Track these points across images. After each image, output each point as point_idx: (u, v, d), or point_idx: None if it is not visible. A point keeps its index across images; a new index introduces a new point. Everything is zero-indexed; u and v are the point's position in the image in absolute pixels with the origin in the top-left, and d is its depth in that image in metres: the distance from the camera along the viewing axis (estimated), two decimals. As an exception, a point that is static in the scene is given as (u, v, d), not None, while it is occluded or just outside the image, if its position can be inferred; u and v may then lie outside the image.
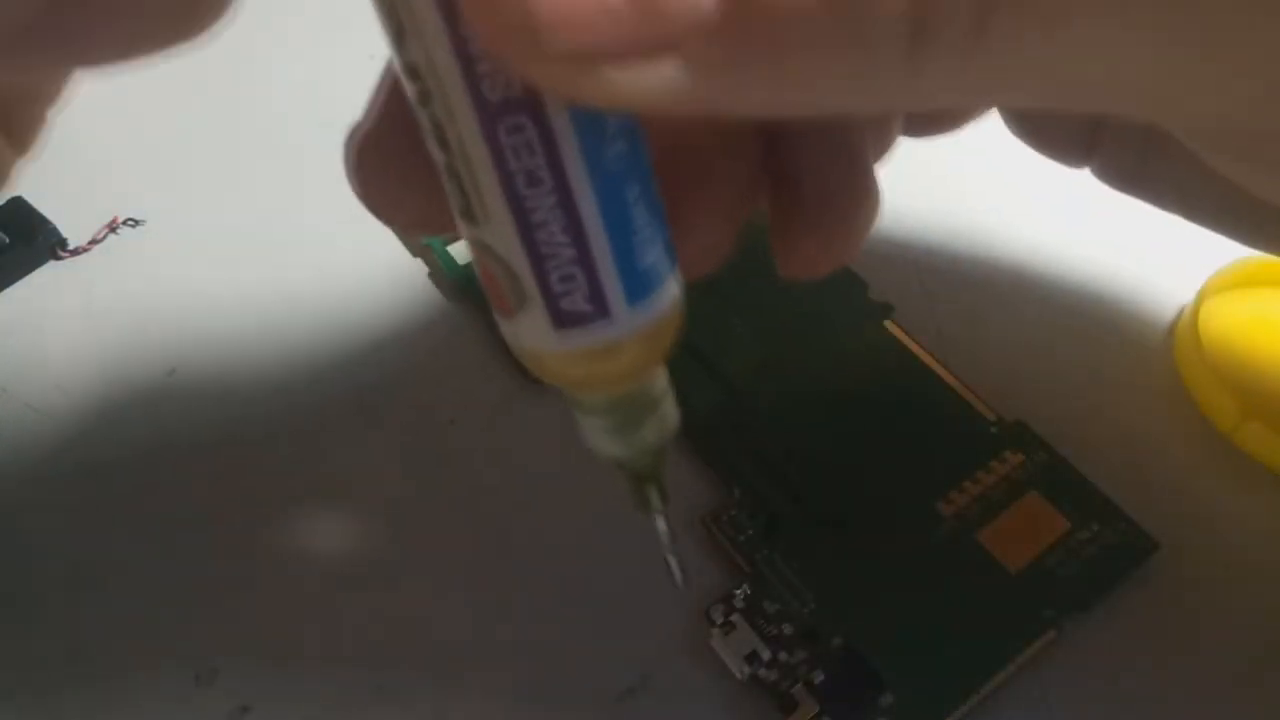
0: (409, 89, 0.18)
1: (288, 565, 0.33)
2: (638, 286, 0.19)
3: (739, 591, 0.31)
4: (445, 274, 0.39)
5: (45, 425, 0.36)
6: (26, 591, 0.32)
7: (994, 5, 0.15)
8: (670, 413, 0.24)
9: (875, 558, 0.32)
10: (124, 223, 0.40)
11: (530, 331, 0.20)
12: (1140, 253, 0.40)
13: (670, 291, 0.20)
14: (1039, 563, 0.32)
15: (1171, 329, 0.38)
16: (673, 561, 0.29)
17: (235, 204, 0.42)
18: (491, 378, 0.37)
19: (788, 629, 0.31)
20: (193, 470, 0.35)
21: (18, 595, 0.32)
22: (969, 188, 0.42)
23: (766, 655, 0.30)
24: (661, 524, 0.27)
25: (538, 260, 0.19)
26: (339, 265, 0.40)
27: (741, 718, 0.30)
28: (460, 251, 0.40)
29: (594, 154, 0.18)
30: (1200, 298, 0.37)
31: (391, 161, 0.21)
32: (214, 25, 0.19)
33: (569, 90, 0.16)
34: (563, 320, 0.19)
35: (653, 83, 0.15)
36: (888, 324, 0.37)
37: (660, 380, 0.23)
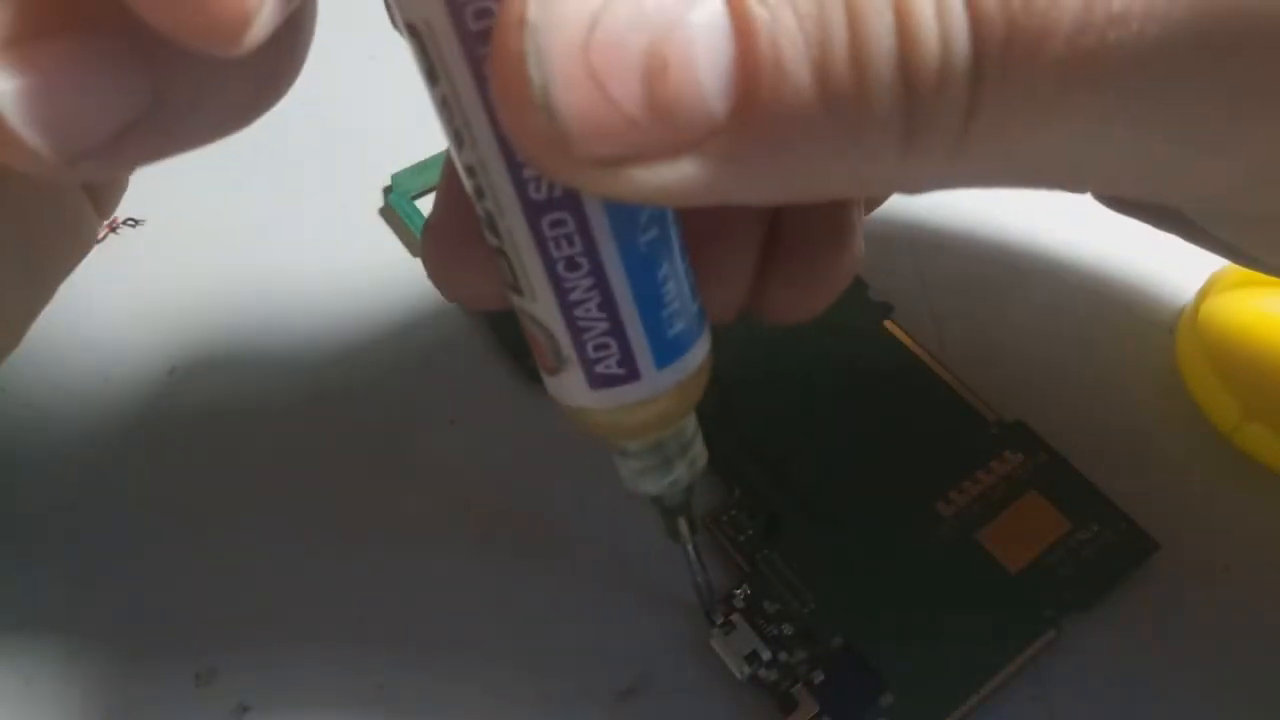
0: (467, 184, 0.20)
1: (288, 565, 0.33)
2: (666, 352, 0.22)
3: (739, 591, 0.32)
4: None
5: (45, 424, 0.36)
6: (26, 591, 0.32)
7: (976, 111, 0.16)
8: (699, 453, 0.26)
9: (875, 558, 0.32)
10: (124, 223, 0.41)
11: (569, 389, 0.23)
12: (1140, 252, 0.40)
13: (698, 352, 0.23)
14: (1039, 562, 0.32)
15: (1172, 329, 0.38)
16: (702, 587, 0.30)
17: (235, 204, 0.42)
18: (491, 377, 0.37)
19: (788, 629, 0.31)
20: (192, 469, 0.35)
21: (17, 595, 0.32)
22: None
23: (766, 655, 0.30)
24: (692, 553, 0.29)
25: (575, 331, 0.21)
26: (339, 266, 0.40)
27: (742, 717, 0.30)
28: None
29: (627, 242, 0.20)
30: (1200, 297, 0.37)
31: (454, 248, 0.25)
32: (286, 90, 0.22)
33: (597, 189, 0.17)
34: (597, 382, 0.22)
35: (672, 180, 0.16)
36: (887, 324, 0.38)
37: (689, 425, 0.25)
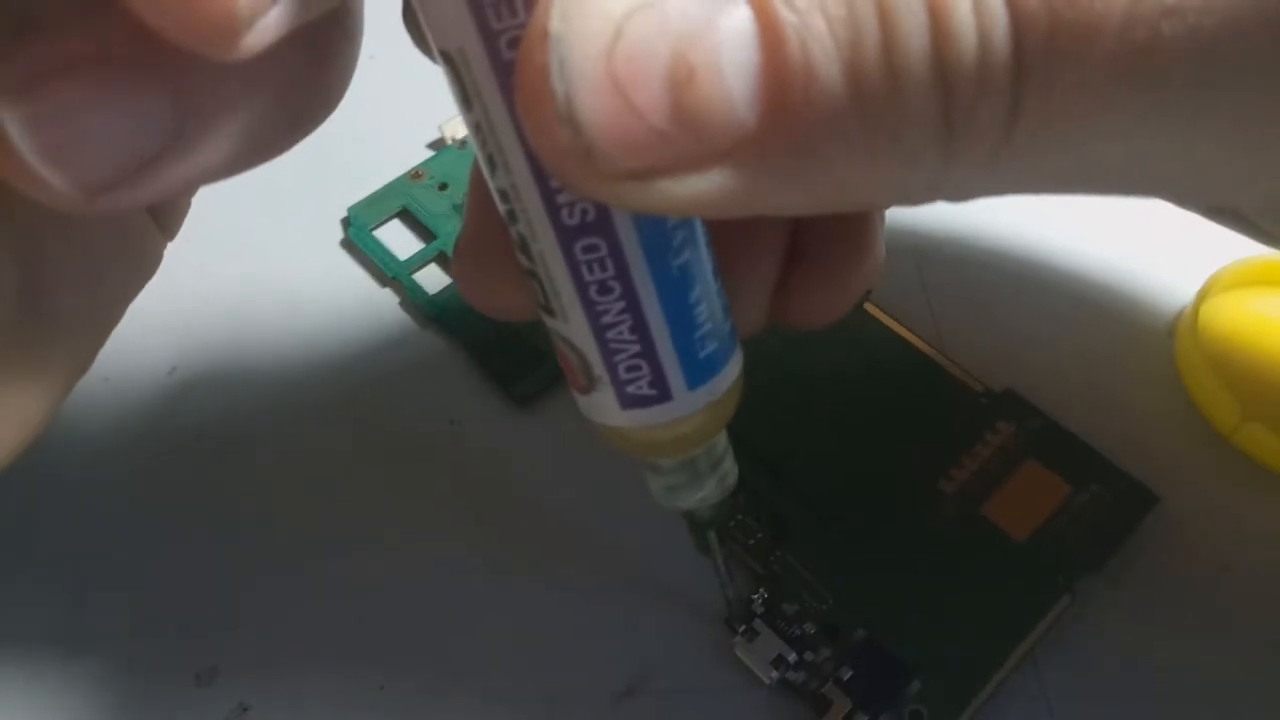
0: (500, 208, 0.20)
1: (288, 565, 0.34)
2: (698, 373, 0.22)
3: (756, 596, 0.33)
4: (416, 304, 0.41)
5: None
6: (27, 591, 0.33)
7: (1019, 111, 0.16)
8: (730, 469, 0.27)
9: (886, 545, 0.33)
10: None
11: (600, 409, 0.23)
12: (1140, 253, 0.41)
13: (730, 372, 0.23)
14: (1045, 529, 0.33)
15: (1172, 329, 0.39)
16: (731, 600, 0.31)
17: (234, 205, 0.42)
18: (477, 390, 0.38)
19: (809, 628, 0.32)
20: (193, 469, 0.36)
21: (18, 595, 0.33)
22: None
23: (793, 657, 0.31)
24: (720, 566, 0.30)
25: (607, 353, 0.21)
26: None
27: (743, 717, 0.31)
28: (429, 281, 0.42)
29: (659, 266, 0.20)
30: (1200, 298, 0.37)
31: (486, 263, 0.25)
32: (327, 112, 0.22)
33: (625, 202, 0.18)
34: (628, 402, 0.22)
35: (702, 191, 0.17)
36: (867, 306, 0.39)
37: (720, 443, 0.26)
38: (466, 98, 0.19)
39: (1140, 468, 0.35)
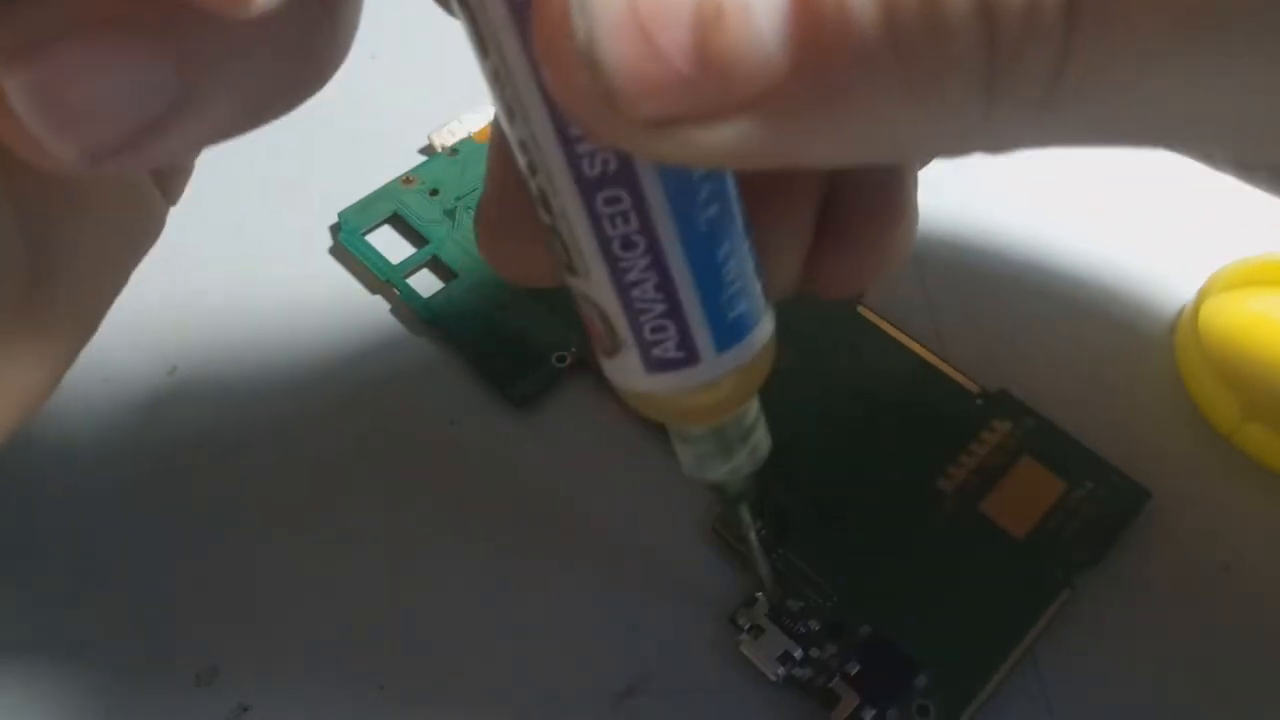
0: (519, 160, 0.20)
1: (288, 565, 0.35)
2: (727, 335, 0.22)
3: (760, 594, 0.33)
4: (409, 309, 0.42)
5: (44, 424, 0.37)
6: (26, 591, 0.34)
7: (1072, 52, 0.15)
8: (762, 441, 0.27)
9: (888, 543, 0.34)
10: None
11: (625, 372, 0.23)
12: (1140, 253, 0.42)
13: (761, 334, 0.23)
14: (1043, 525, 0.35)
15: (1172, 329, 0.40)
16: (764, 573, 0.32)
17: (221, 210, 0.44)
18: (474, 393, 0.39)
19: (814, 625, 0.33)
20: (193, 469, 0.37)
21: (18, 595, 0.34)
22: (968, 186, 0.44)
23: (799, 654, 0.32)
24: (754, 541, 0.31)
25: (632, 313, 0.21)
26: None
27: (745, 717, 0.32)
28: (422, 286, 0.43)
29: (686, 220, 0.20)
30: (1200, 297, 0.39)
31: (507, 226, 0.25)
32: (334, 68, 0.22)
33: (649, 151, 0.17)
34: (654, 365, 0.22)
35: (730, 139, 0.16)
36: (860, 309, 0.40)
37: (751, 411, 0.26)
38: (483, 44, 0.18)
39: (1140, 467, 0.36)
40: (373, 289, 0.43)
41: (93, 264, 0.26)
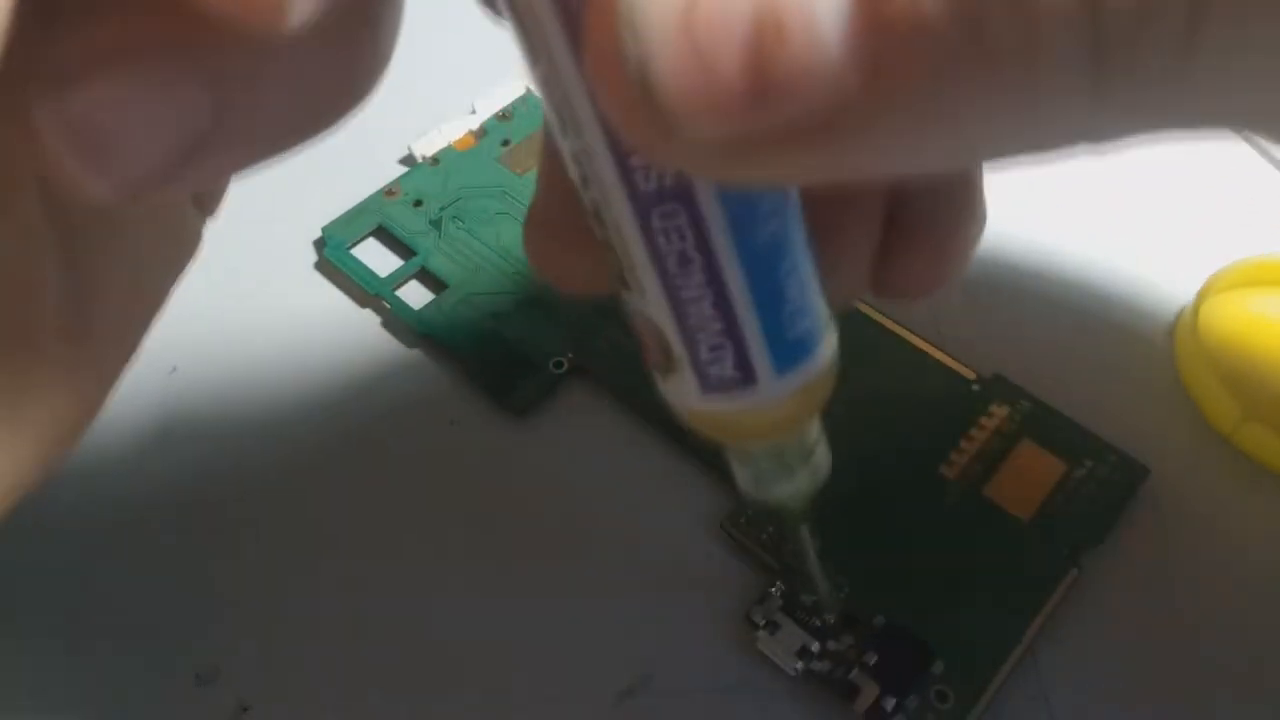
0: (572, 171, 0.20)
1: (288, 565, 0.36)
2: (786, 356, 0.22)
3: (773, 590, 0.35)
4: (401, 322, 0.43)
5: None
6: (26, 591, 0.35)
7: (1199, 30, 0.14)
8: (823, 460, 0.27)
9: (895, 532, 0.36)
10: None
11: (680, 392, 0.23)
12: (1140, 253, 0.43)
13: (822, 355, 0.23)
14: (1046, 507, 0.36)
15: (1171, 329, 0.41)
16: (823, 590, 0.33)
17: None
18: (471, 402, 0.40)
19: (829, 618, 0.34)
20: (193, 469, 0.38)
21: (17, 595, 0.35)
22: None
23: (815, 647, 0.33)
24: (814, 560, 0.32)
25: (687, 332, 0.21)
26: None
27: (801, 713, 0.33)
28: (411, 298, 0.44)
29: (745, 236, 0.20)
30: (1200, 298, 0.40)
31: (558, 234, 0.25)
32: (376, 82, 0.22)
33: (713, 174, 0.18)
34: (710, 385, 0.22)
35: (795, 160, 0.16)
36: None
37: (813, 431, 0.26)
38: (534, 51, 0.18)
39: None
40: (361, 303, 0.44)
41: (132, 289, 0.26)
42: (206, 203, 0.27)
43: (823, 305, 0.22)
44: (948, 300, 0.42)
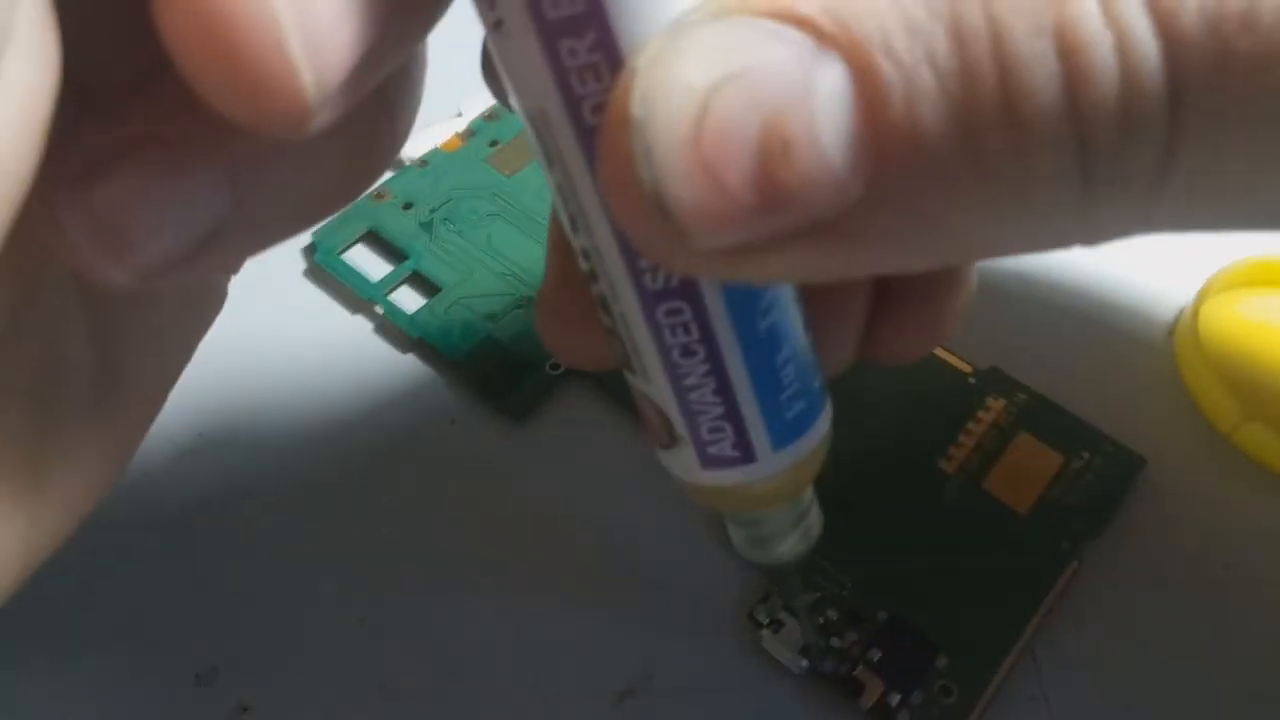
0: (581, 265, 0.22)
1: (288, 565, 0.37)
2: (783, 434, 0.23)
3: (776, 589, 0.36)
4: (395, 326, 0.44)
5: None
6: (26, 591, 0.33)
7: (1175, 158, 0.15)
8: (814, 522, 0.29)
9: (896, 527, 0.37)
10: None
11: (680, 465, 0.24)
12: (1140, 253, 0.44)
13: (818, 430, 0.24)
14: (1045, 499, 0.38)
15: (1171, 329, 0.42)
16: (813, 642, 0.34)
17: None
18: (470, 406, 0.42)
19: (832, 614, 0.35)
20: (192, 468, 0.39)
21: (17, 595, 0.35)
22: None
23: (820, 644, 0.35)
24: (804, 613, 0.33)
25: (689, 415, 0.23)
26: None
27: (806, 711, 0.34)
28: (404, 302, 0.45)
29: (746, 328, 0.21)
30: (1200, 298, 0.41)
31: (568, 316, 0.26)
32: (385, 166, 0.23)
33: (718, 276, 0.19)
34: (710, 463, 0.24)
35: (800, 263, 0.17)
36: None
37: (805, 498, 0.28)
38: (548, 158, 0.20)
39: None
40: (354, 308, 0.45)
41: (159, 352, 0.27)
42: (232, 267, 0.28)
43: (818, 383, 0.24)
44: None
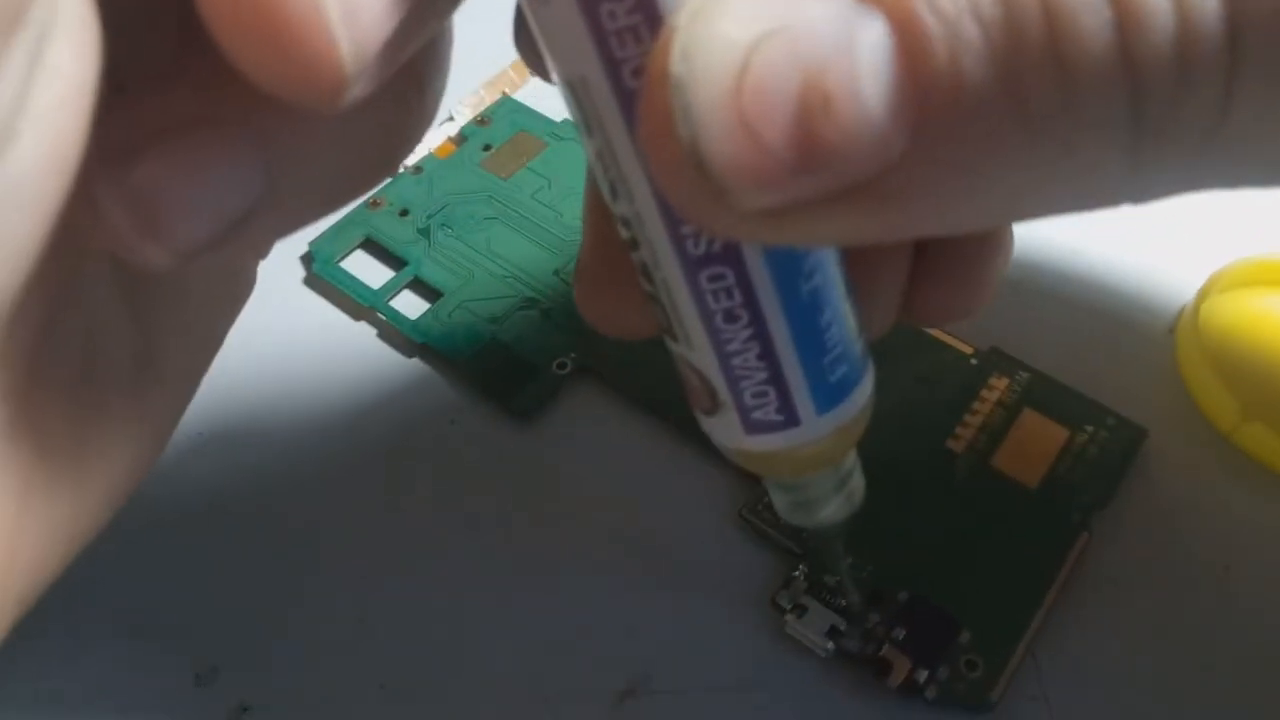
0: (622, 233, 0.22)
1: (288, 565, 0.37)
2: (827, 398, 0.24)
3: (797, 574, 0.36)
4: (398, 333, 0.44)
5: None
6: None
7: (1232, 104, 0.15)
8: (857, 486, 0.29)
9: (910, 507, 0.38)
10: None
11: (724, 431, 0.25)
12: (1140, 253, 0.45)
13: (861, 392, 0.25)
14: (1053, 473, 0.39)
15: (1172, 328, 0.42)
16: (854, 606, 0.35)
17: None
18: (475, 408, 0.42)
19: (854, 596, 0.36)
20: (192, 468, 0.40)
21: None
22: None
23: (844, 626, 0.35)
24: (846, 576, 0.34)
25: (732, 380, 0.23)
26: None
27: (835, 694, 0.35)
28: (406, 308, 0.45)
29: (789, 292, 0.21)
30: (1200, 298, 0.41)
31: (606, 284, 0.26)
32: (416, 142, 0.23)
33: (761, 239, 0.19)
34: (754, 428, 0.24)
35: (843, 224, 0.17)
36: None
37: (849, 461, 0.28)
38: (588, 126, 0.20)
39: (1140, 467, 0.39)
40: (356, 316, 0.46)
41: (192, 337, 0.27)
42: (262, 250, 0.28)
43: (861, 346, 0.24)
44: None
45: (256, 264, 0.29)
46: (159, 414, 0.26)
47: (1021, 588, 0.36)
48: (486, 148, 0.51)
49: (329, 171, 0.22)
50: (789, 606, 0.36)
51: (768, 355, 0.22)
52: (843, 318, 0.23)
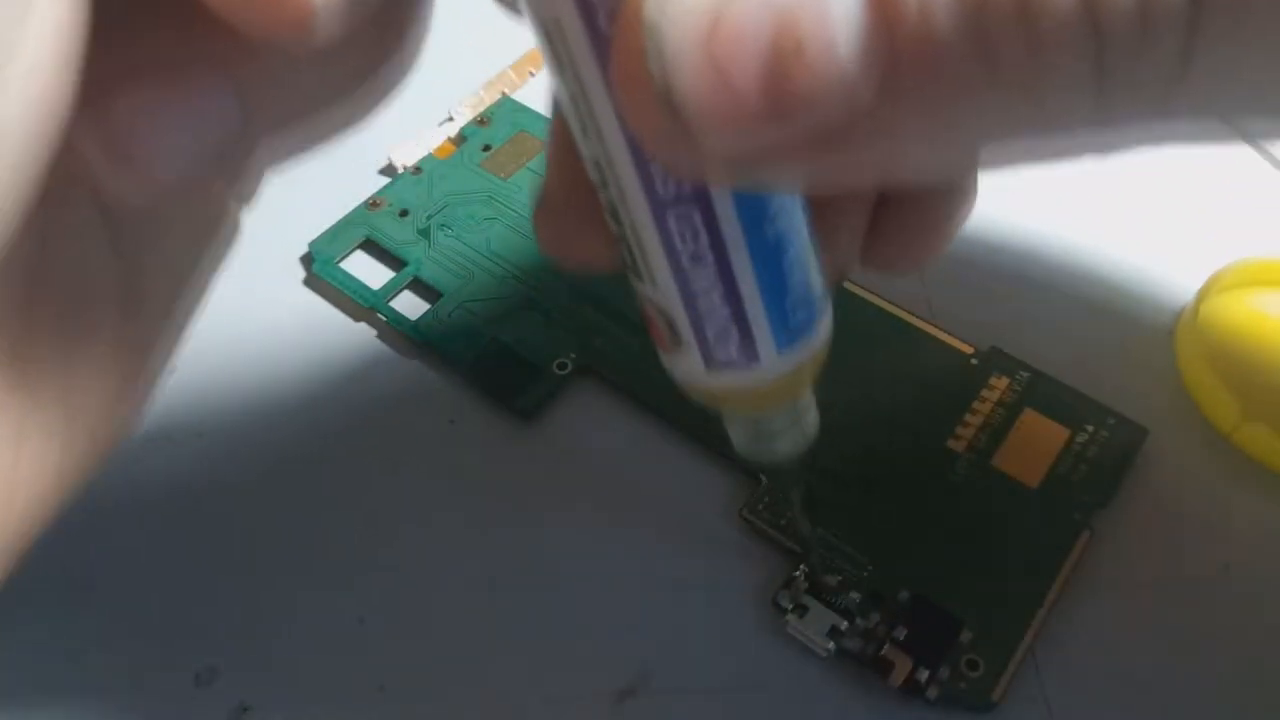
0: (590, 173, 0.22)
1: (288, 564, 0.38)
2: (787, 337, 0.24)
3: (798, 574, 0.37)
4: (399, 333, 0.45)
5: None
6: (26, 591, 0.34)
7: (1194, 52, 0.15)
8: (810, 422, 0.29)
9: (911, 507, 0.39)
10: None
11: (684, 367, 0.25)
12: (1140, 253, 0.45)
13: (820, 332, 0.25)
14: (1053, 473, 0.39)
15: (1172, 329, 0.43)
16: (805, 535, 0.35)
17: None
18: (476, 408, 0.43)
19: (855, 596, 0.36)
20: (192, 468, 0.40)
21: (17, 595, 0.34)
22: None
23: (845, 626, 0.36)
24: (798, 506, 0.34)
25: (696, 319, 0.24)
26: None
27: (836, 694, 0.35)
28: (406, 308, 0.46)
29: (754, 234, 0.22)
30: (1200, 298, 0.41)
31: (567, 218, 0.26)
32: (405, 74, 0.24)
33: (730, 183, 0.20)
34: (715, 365, 0.25)
35: (811, 169, 0.18)
36: (848, 286, 0.44)
37: (804, 397, 0.29)
38: (560, 66, 0.20)
39: (1140, 467, 0.40)
40: (356, 317, 0.46)
41: (179, 279, 0.27)
42: (247, 194, 0.28)
43: (821, 285, 0.25)
44: (947, 299, 0.45)
45: (239, 208, 0.29)
46: (143, 351, 0.26)
47: (1022, 587, 0.37)
48: (486, 148, 0.51)
49: (305, 109, 0.22)
50: (790, 606, 0.36)
51: (731, 296, 0.23)
52: (806, 261, 0.24)
